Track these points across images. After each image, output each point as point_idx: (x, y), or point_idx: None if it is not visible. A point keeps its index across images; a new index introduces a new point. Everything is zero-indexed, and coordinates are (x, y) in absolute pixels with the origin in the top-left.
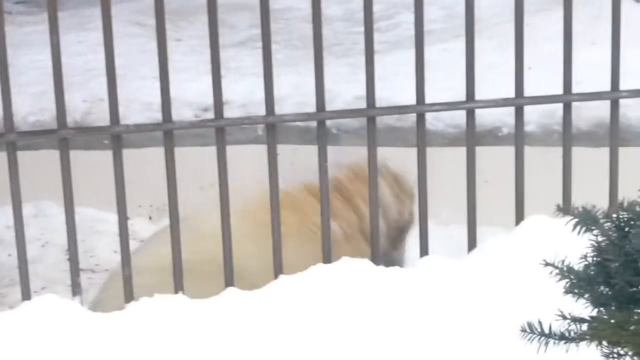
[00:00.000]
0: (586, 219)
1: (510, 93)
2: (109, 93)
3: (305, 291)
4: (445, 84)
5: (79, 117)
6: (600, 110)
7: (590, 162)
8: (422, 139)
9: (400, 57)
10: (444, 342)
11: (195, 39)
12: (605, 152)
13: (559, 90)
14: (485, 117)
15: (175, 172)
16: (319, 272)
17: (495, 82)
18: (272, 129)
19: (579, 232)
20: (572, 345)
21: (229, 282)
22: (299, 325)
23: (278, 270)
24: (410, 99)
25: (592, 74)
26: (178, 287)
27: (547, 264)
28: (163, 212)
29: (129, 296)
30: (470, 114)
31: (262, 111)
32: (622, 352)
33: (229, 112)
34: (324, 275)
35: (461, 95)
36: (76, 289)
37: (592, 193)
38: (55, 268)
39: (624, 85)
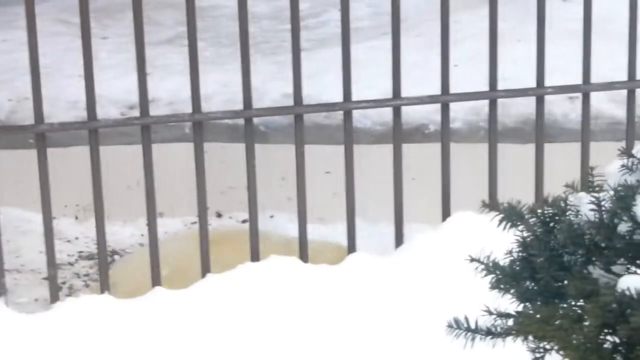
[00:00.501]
0: (512, 215)
1: (437, 90)
2: (33, 91)
3: (233, 289)
4: (372, 82)
5: (4, 116)
6: (526, 107)
7: (516, 158)
8: (349, 136)
9: (328, 54)
10: (372, 338)
11: (121, 37)
12: (531, 148)
13: (484, 87)
14: (412, 114)
15: (100, 171)
16: (247, 270)
17: (421, 79)
18: (199, 126)
19: (504, 228)
20: (499, 340)
21: (156, 281)
22: (227, 324)
23: (205, 269)
24: (338, 96)
25: (517, 71)
26: (104, 287)
27: (472, 260)
28: (89, 212)
29: (55, 296)
30: (397, 112)
31: (188, 109)
32: (548, 346)
33: (155, 110)
34: (251, 273)
35: (388, 93)
36: (1, 289)
37: (517, 189)
38: None
39: (549, 82)
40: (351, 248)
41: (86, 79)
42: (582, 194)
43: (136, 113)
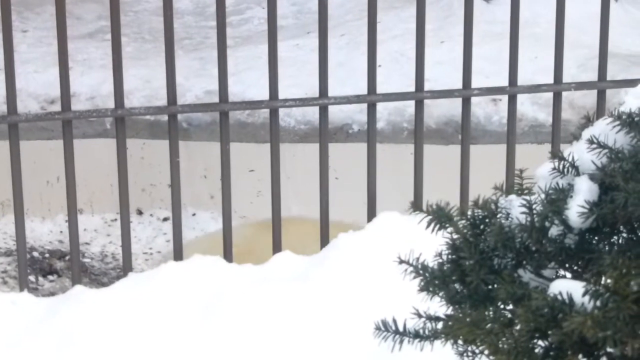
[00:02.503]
0: (440, 217)
1: (361, 90)
2: None
3: (155, 288)
4: (297, 80)
5: None
6: (449, 108)
7: (440, 159)
8: (275, 134)
9: (251, 52)
10: (297, 340)
11: (41, 31)
12: (453, 149)
13: (407, 87)
14: (336, 114)
15: (20, 166)
16: (170, 269)
17: (345, 79)
18: (121, 122)
19: (433, 230)
20: (427, 343)
21: (77, 279)
22: (149, 323)
23: (128, 267)
24: (262, 94)
25: (440, 72)
26: (23, 284)
27: (401, 261)
28: (7, 208)
29: None
30: (323, 110)
31: (110, 104)
32: (477, 350)
33: (76, 105)
34: (174, 272)
35: (313, 92)
36: None
37: (441, 190)
38: None
39: (473, 83)
40: (277, 247)
41: (6, 73)
42: (513, 197)
43: (57, 107)
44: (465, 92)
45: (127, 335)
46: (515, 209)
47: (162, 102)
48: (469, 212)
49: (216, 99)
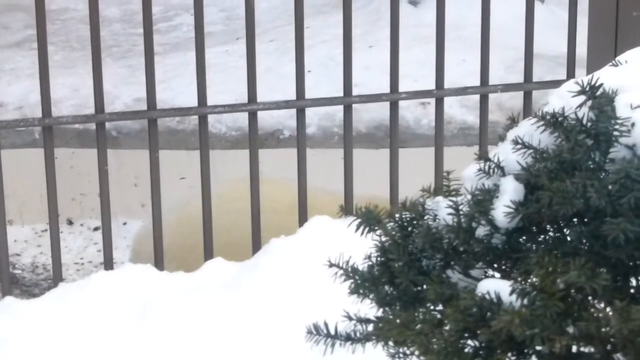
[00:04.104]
0: (369, 219)
1: (291, 95)
2: None
3: (86, 298)
4: (226, 87)
5: None
6: (379, 112)
7: (370, 163)
8: (204, 141)
9: (180, 59)
10: (229, 348)
11: None
12: (384, 153)
13: (337, 92)
14: (267, 119)
15: None
16: (100, 279)
17: (275, 85)
18: (49, 131)
19: (362, 233)
20: (359, 346)
21: (7, 291)
22: (80, 333)
23: (58, 277)
24: (192, 101)
25: (369, 76)
26: None
27: (331, 265)
28: None
29: None
30: (253, 116)
31: (38, 113)
32: (408, 352)
33: (3, 115)
34: (105, 281)
35: (242, 98)
36: None
37: (372, 194)
38: None
39: (401, 87)
40: (208, 254)
41: None
42: (440, 198)
43: None
44: (393, 96)
45: (58, 345)
46: (442, 210)
47: (90, 110)
48: (397, 215)
49: (145, 107)
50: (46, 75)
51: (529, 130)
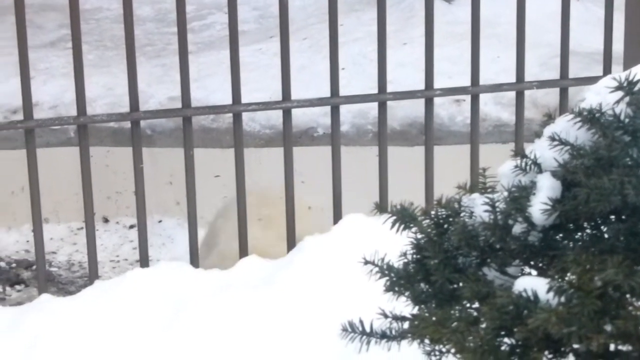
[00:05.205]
0: (404, 217)
1: (323, 93)
2: None
3: (122, 295)
4: (260, 85)
5: None
6: (412, 110)
7: (404, 161)
8: (239, 139)
9: (214, 57)
10: (262, 345)
11: (2, 40)
12: (418, 150)
13: (370, 90)
14: (300, 117)
15: None
16: (136, 276)
17: (308, 82)
18: (84, 130)
19: (397, 230)
20: (394, 343)
21: (43, 288)
22: (115, 330)
23: (94, 275)
24: (225, 99)
25: (403, 73)
26: None
27: (366, 262)
28: None
29: None
30: (287, 114)
31: (72, 112)
32: (443, 349)
33: (39, 114)
34: (140, 279)
35: (276, 96)
36: None
37: (407, 192)
38: None
39: (435, 84)
40: (243, 252)
41: None
42: (476, 195)
43: (19, 117)
44: (428, 93)
45: (93, 342)
46: (478, 207)
47: (124, 109)
48: (433, 212)
49: (179, 105)
50: (81, 74)
51: (565, 126)
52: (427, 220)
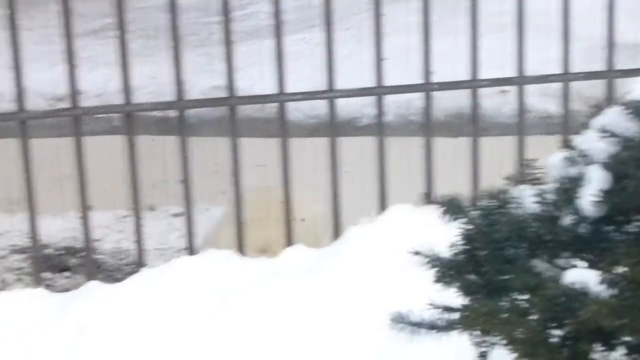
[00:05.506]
0: (453, 208)
1: (366, 83)
2: None
3: (168, 283)
4: (303, 74)
5: None
6: (456, 100)
7: (448, 151)
8: (284, 128)
9: (256, 47)
10: (307, 332)
11: (45, 29)
12: (462, 141)
13: (413, 80)
14: (343, 107)
15: (30, 163)
16: (183, 264)
17: (351, 72)
18: (130, 118)
19: (446, 221)
20: (442, 334)
21: (90, 275)
22: (162, 317)
23: (140, 263)
24: (268, 89)
25: (446, 64)
26: (38, 281)
27: (416, 253)
28: (19, 205)
29: None
30: (332, 104)
31: (117, 101)
32: (493, 340)
33: (84, 102)
34: (187, 266)
35: (319, 86)
36: None
37: (450, 182)
38: None
39: (479, 75)
40: (289, 241)
41: (15, 70)
42: (525, 187)
43: (64, 105)
44: (474, 83)
45: (140, 329)
46: (527, 198)
47: (168, 98)
48: (482, 203)
49: (222, 94)
50: (126, 62)
51: (614, 118)
52: (477, 211)
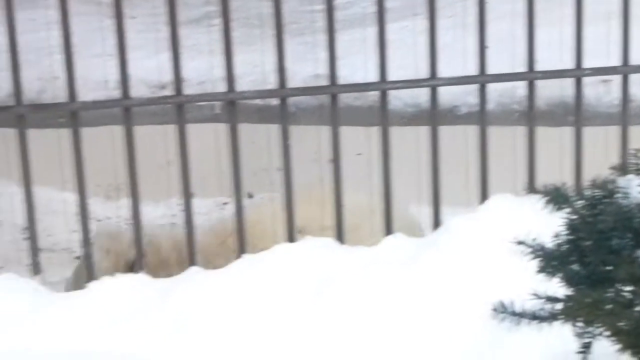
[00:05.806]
0: (557, 197)
1: (467, 71)
2: (66, 70)
3: (268, 270)
4: (403, 62)
5: (33, 95)
6: (558, 89)
7: (549, 141)
8: (385, 116)
9: (358, 35)
10: (406, 321)
11: (149, 17)
12: (564, 131)
13: (515, 68)
14: (444, 95)
15: (134, 149)
16: (282, 251)
17: (451, 60)
18: (233, 106)
19: (550, 211)
20: (544, 324)
21: (192, 260)
22: (262, 303)
23: (241, 249)
24: (368, 77)
25: (549, 53)
26: (139, 266)
27: (519, 243)
28: (120, 192)
29: (90, 275)
30: (434, 92)
31: (219, 89)
32: (596, 331)
33: (186, 90)
34: (287, 253)
35: (420, 74)
36: (36, 268)
37: (553, 172)
38: (12, 247)
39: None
40: (388, 230)
41: (119, 58)
42: (631, 177)
43: (167, 92)
44: (577, 72)
45: (240, 314)
46: (634, 188)
47: (269, 86)
48: (587, 193)
49: (322, 83)
50: (230, 50)
51: None
52: (581, 201)
